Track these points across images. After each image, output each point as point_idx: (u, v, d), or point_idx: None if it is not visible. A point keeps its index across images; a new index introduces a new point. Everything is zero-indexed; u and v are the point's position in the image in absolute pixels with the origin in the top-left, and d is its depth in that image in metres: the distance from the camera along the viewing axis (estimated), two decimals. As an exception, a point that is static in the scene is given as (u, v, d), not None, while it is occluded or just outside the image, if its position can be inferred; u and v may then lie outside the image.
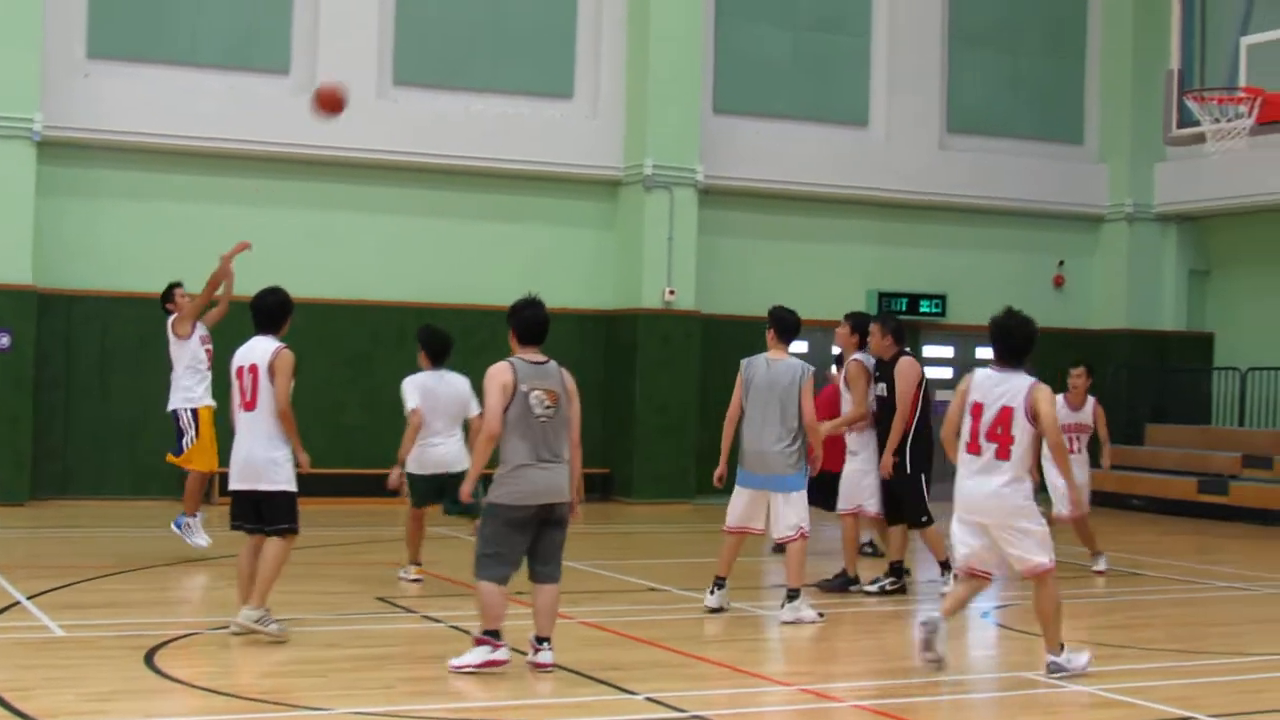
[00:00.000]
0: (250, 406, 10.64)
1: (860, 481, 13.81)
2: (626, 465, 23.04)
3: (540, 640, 9.80)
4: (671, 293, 22.94)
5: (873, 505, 13.81)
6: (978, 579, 10.15)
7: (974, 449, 10.00)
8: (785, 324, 12.45)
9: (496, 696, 9.27)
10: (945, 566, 13.51)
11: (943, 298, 25.25)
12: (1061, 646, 10.07)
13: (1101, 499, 24.40)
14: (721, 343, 23.10)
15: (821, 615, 12.20)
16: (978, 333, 25.29)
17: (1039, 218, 26.50)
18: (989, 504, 9.92)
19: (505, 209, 23.01)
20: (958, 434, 10.17)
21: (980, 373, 10.27)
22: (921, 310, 25.05)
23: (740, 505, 12.47)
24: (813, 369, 12.33)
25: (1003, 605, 13.61)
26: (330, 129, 20.67)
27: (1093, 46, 27.06)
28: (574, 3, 23.52)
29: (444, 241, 22.64)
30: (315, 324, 21.59)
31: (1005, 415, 9.92)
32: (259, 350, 10.73)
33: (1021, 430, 9.90)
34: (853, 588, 13.74)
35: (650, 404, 22.93)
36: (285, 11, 21.98)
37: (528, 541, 9.70)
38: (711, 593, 12.45)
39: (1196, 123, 17.37)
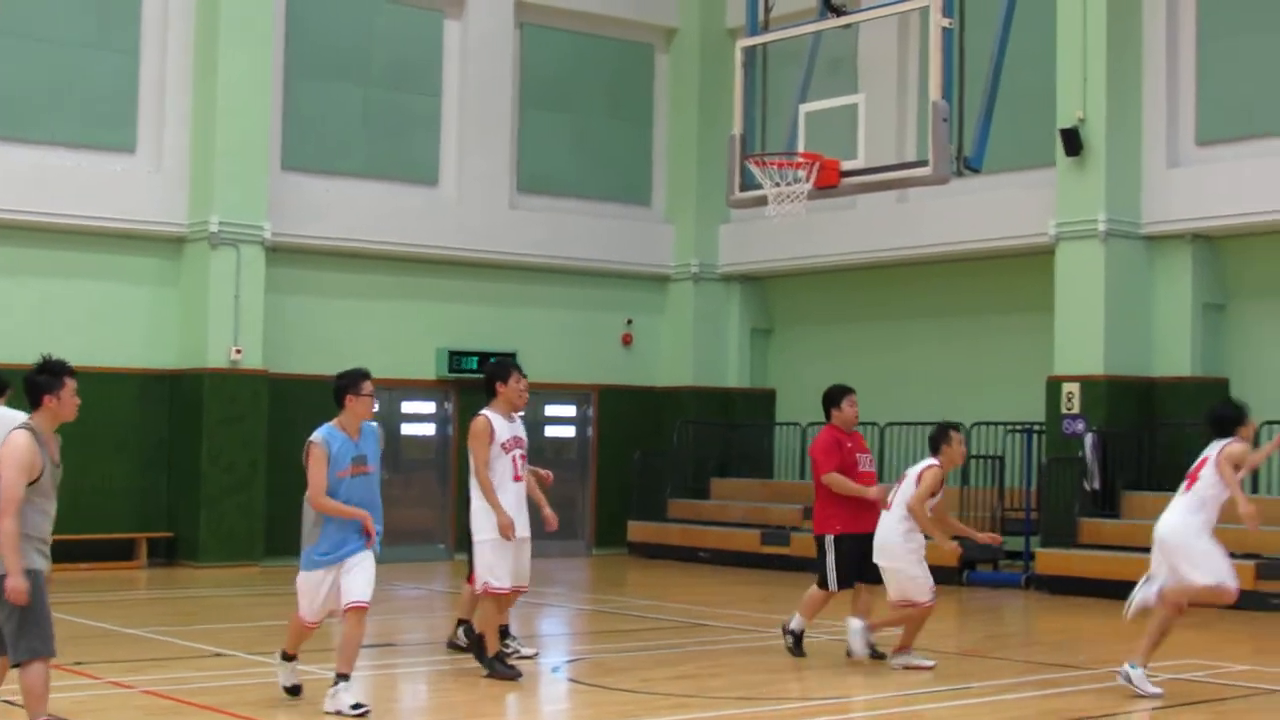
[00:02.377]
0: None
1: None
2: (192, 528, 22.48)
3: None
4: (238, 352, 22.55)
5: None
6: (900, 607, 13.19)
7: (885, 506, 13.24)
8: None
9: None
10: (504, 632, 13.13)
11: (513, 355, 25.39)
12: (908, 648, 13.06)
13: (669, 552, 25.09)
14: (290, 402, 22.84)
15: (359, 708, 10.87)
16: (549, 390, 25.71)
17: (608, 277, 27.00)
18: (883, 547, 13.17)
19: (62, 265, 22.26)
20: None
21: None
22: (492, 368, 25.13)
23: None
24: (315, 439, 10.81)
25: (573, 660, 13.79)
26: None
27: (659, 111, 27.79)
28: (137, 55, 22.95)
29: (-4, 298, 21.84)
30: None
31: (901, 480, 13.21)
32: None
33: (903, 493, 13.13)
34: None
35: (216, 465, 22.44)
36: None
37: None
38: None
39: (758, 186, 17.82)
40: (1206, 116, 21.63)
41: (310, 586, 10.89)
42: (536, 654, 13.60)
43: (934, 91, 16.54)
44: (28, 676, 8.77)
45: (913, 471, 13.27)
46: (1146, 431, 21.35)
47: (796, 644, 13.81)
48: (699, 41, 27.38)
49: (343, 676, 10.62)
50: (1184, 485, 12.06)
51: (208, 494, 22.40)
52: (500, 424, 12.42)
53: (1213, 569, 11.87)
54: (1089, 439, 20.90)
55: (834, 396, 14.12)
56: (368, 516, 10.74)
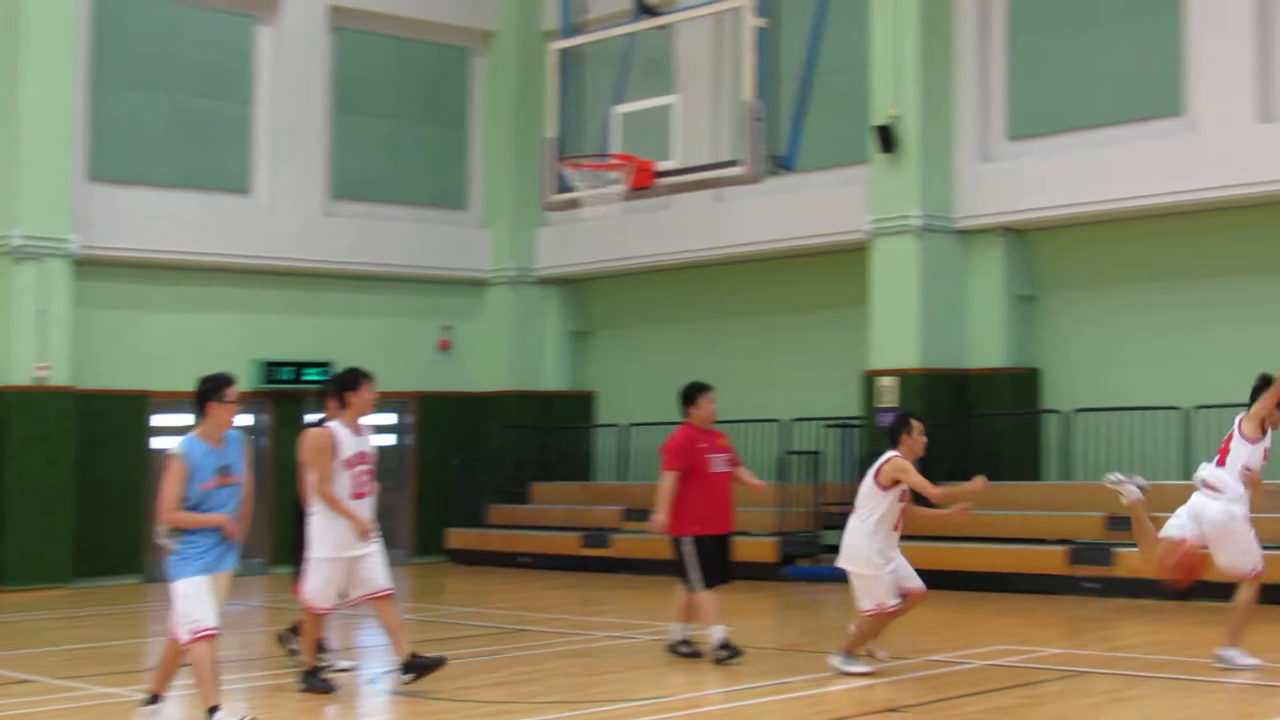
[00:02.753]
0: None
1: None
2: (-5, 551, 21.88)
3: None
4: (43, 368, 21.95)
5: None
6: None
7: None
8: None
9: None
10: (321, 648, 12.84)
11: (329, 365, 25.06)
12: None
13: (489, 559, 24.94)
14: (100, 419, 22.38)
15: None
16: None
17: (425, 282, 26.77)
18: (851, 554, 12.48)
19: None
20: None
21: None
22: (306, 378, 24.74)
23: None
24: (174, 450, 10.10)
25: (391, 670, 13.56)
26: None
27: (474, 114, 27.60)
28: (-68, 65, 22.35)
29: None
30: None
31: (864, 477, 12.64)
32: None
33: (865, 495, 12.53)
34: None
35: (21, 485, 21.79)
36: None
37: None
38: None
39: (574, 189, 17.81)
40: (1017, 112, 21.97)
41: (197, 591, 10.03)
42: (354, 667, 13.39)
43: (747, 91, 16.64)
44: None
45: (874, 468, 12.59)
46: (962, 422, 21.61)
47: (689, 649, 13.54)
48: (515, 45, 27.26)
49: (159, 698, 10.25)
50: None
51: (12, 516, 21.76)
52: (346, 438, 11.96)
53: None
54: (906, 432, 21.06)
55: (690, 394, 13.86)
56: (225, 520, 10.06)
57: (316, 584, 11.99)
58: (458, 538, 25.68)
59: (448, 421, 26.58)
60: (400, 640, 12.12)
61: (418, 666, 12.11)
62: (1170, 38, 20.57)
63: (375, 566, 12.02)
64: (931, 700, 11.38)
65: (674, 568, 13.71)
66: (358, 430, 12.09)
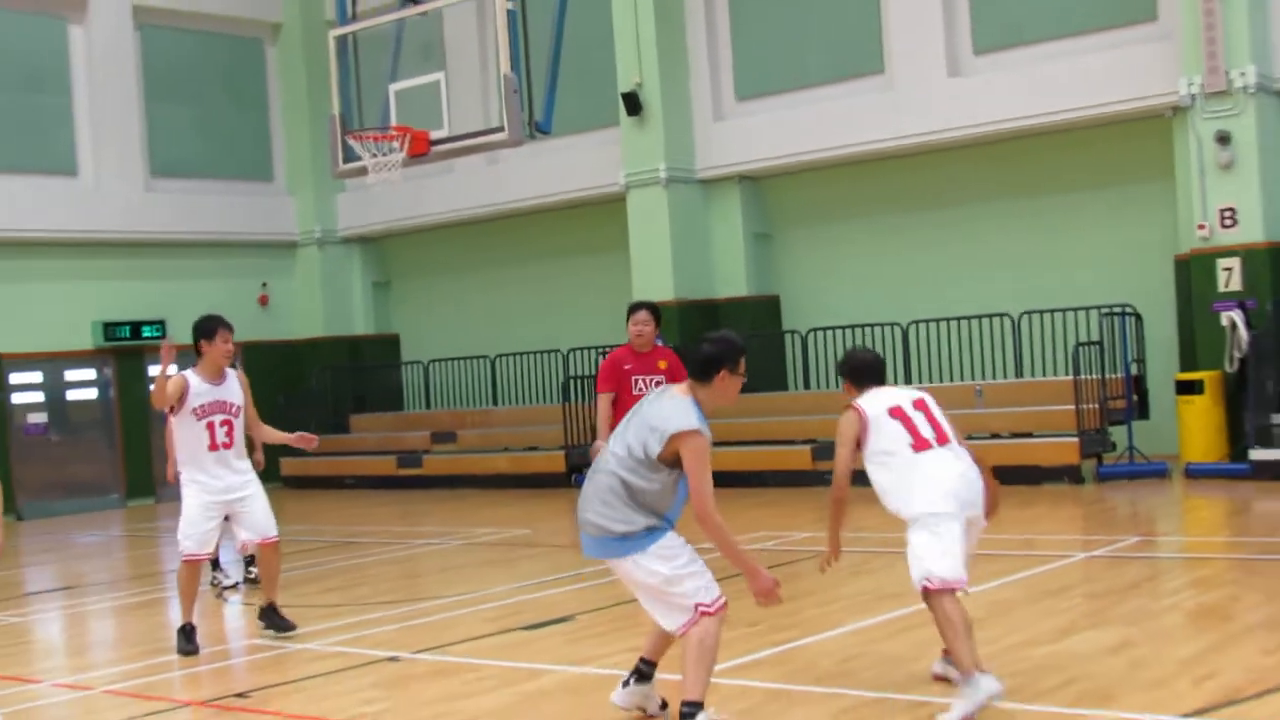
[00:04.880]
0: None
1: None
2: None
3: None
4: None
5: None
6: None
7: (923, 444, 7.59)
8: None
9: None
10: None
11: (163, 322, 24.86)
12: None
13: (319, 483, 25.00)
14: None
15: None
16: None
17: (241, 247, 26.58)
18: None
19: None
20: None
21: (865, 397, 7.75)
22: (145, 335, 24.60)
23: None
24: (700, 425, 6.83)
25: (235, 584, 13.68)
26: None
27: (273, 95, 27.38)
28: None
29: None
30: None
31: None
32: None
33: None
34: None
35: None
36: None
37: None
38: None
39: (359, 159, 17.91)
40: (743, 76, 22.40)
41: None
42: (237, 584, 13.17)
43: (504, 66, 16.81)
44: None
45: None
46: (715, 344, 22.01)
47: None
48: (301, 32, 27.01)
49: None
50: None
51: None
52: (200, 386, 10.29)
53: None
54: (668, 356, 21.52)
55: (630, 310, 11.77)
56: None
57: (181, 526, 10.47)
58: (290, 466, 25.56)
59: (271, 366, 26.46)
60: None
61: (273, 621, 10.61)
62: (870, 4, 21.18)
63: (248, 517, 10.57)
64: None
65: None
66: (216, 381, 10.41)
